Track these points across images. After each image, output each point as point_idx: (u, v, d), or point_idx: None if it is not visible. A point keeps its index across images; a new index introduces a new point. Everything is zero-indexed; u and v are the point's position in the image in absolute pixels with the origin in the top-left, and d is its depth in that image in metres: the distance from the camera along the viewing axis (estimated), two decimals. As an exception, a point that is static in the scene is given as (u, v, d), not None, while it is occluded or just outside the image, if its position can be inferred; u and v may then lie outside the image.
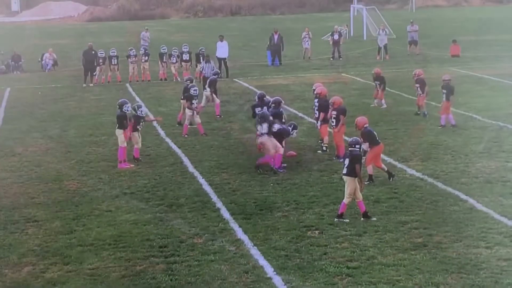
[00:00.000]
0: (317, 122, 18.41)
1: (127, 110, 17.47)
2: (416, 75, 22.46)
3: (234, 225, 13.03)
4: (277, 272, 10.87)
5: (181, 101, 21.98)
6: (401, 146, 18.60)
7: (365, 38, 47.74)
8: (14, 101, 27.84)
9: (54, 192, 15.49)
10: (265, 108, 17.97)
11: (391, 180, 15.45)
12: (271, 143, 16.48)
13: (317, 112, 18.26)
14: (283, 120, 17.29)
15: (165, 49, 32.13)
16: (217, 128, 21.61)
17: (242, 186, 15.47)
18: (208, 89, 23.34)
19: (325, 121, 17.96)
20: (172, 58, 31.84)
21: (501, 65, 33.87)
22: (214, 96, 23.43)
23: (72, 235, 12.74)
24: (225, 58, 33.37)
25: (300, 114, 23.22)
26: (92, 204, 14.52)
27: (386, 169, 15.58)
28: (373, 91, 24.74)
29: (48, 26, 69.98)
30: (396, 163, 16.94)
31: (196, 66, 31.33)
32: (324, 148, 18.11)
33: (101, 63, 31.56)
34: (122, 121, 17.36)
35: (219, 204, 14.26)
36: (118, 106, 17.63)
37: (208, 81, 23.89)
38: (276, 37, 36.38)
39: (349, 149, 13.33)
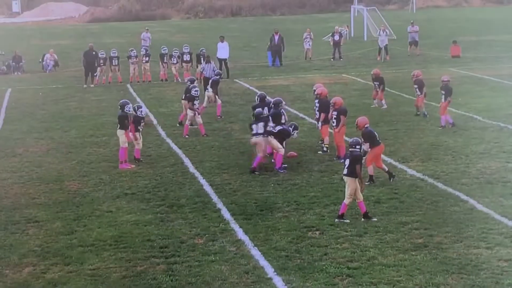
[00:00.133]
0: (317, 123, 18.42)
1: (129, 111, 17.49)
2: (415, 76, 22.47)
3: (234, 225, 13.04)
4: (278, 272, 10.89)
5: (182, 101, 22.01)
6: (402, 147, 18.61)
7: (365, 38, 47.74)
8: (15, 101, 27.86)
9: (55, 192, 15.50)
10: (265, 108, 17.97)
11: (391, 180, 15.46)
12: (264, 143, 16.52)
13: (317, 112, 18.27)
14: (283, 121, 17.28)
15: (165, 49, 32.13)
16: (217, 129, 21.63)
17: (242, 187, 15.48)
18: (210, 89, 23.35)
19: (325, 121, 17.97)
20: (172, 58, 31.84)
21: (502, 65, 33.86)
22: (216, 96, 23.44)
23: (73, 236, 12.75)
24: (225, 59, 33.38)
25: (301, 115, 23.23)
26: (93, 205, 14.53)
27: (386, 169, 15.59)
28: (372, 92, 24.74)
29: (49, 26, 70.01)
30: (396, 163, 16.95)
31: (197, 66, 31.33)
32: (325, 149, 18.12)
33: (102, 64, 31.57)
34: (123, 122, 17.37)
35: (219, 205, 14.28)
36: (119, 107, 17.65)
37: (210, 81, 23.90)
38: (276, 37, 36.39)
39: (350, 149, 13.34)
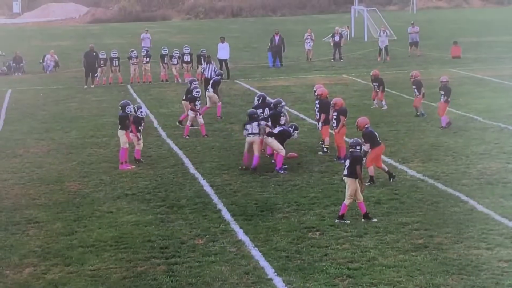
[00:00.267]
0: (318, 124, 18.42)
1: (130, 111, 17.50)
2: (413, 76, 22.46)
3: (235, 226, 13.04)
4: (278, 273, 10.89)
5: (183, 102, 22.01)
6: (402, 147, 18.62)
7: (366, 39, 47.73)
8: (15, 102, 27.87)
9: (55, 193, 15.51)
10: (266, 109, 17.99)
11: (391, 180, 15.47)
12: (260, 144, 16.68)
13: (318, 113, 18.27)
14: (282, 122, 17.30)
15: (166, 50, 32.14)
16: (218, 130, 21.63)
17: (243, 187, 15.49)
18: (211, 90, 23.36)
19: (326, 122, 17.98)
20: (173, 59, 31.85)
21: (502, 66, 33.86)
22: (217, 97, 23.44)
23: (73, 236, 12.76)
24: (226, 60, 33.39)
25: (301, 116, 23.23)
26: (93, 205, 14.54)
27: (386, 169, 15.60)
28: (371, 92, 24.75)
29: (49, 27, 70.05)
30: (396, 164, 16.95)
31: (197, 67, 31.35)
32: (325, 149, 18.13)
33: (102, 65, 31.58)
34: (124, 122, 17.39)
35: (220, 205, 14.28)
36: (120, 107, 17.66)
37: (211, 81, 23.91)
38: (277, 38, 36.39)
39: (350, 150, 13.35)
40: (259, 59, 39.68)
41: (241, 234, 12.59)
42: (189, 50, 31.93)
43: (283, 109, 17.80)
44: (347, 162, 13.15)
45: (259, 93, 20.41)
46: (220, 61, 33.10)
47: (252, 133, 16.72)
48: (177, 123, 22.10)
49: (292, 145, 18.09)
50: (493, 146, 18.52)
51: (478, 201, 14.02)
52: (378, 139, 15.46)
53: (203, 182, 16.04)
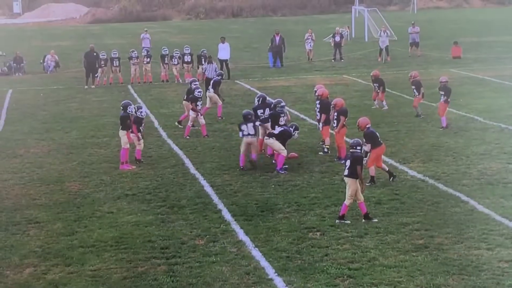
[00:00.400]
0: (318, 124, 18.42)
1: (131, 111, 17.51)
2: (412, 77, 22.46)
3: (235, 226, 13.04)
4: (279, 273, 10.89)
5: (184, 102, 22.01)
6: (403, 148, 18.61)
7: (366, 39, 47.74)
8: (16, 102, 27.88)
9: (56, 193, 15.51)
10: (267, 110, 17.99)
11: (391, 180, 15.47)
12: (257, 145, 16.90)
13: (318, 114, 18.27)
14: (282, 122, 17.33)
15: (166, 50, 32.15)
16: (218, 130, 21.64)
17: (243, 188, 15.49)
18: (211, 90, 23.37)
19: (326, 122, 17.98)
20: (173, 59, 31.86)
21: (503, 66, 33.87)
22: (217, 97, 23.45)
23: (74, 237, 12.76)
24: (226, 60, 33.40)
25: (302, 116, 23.23)
26: (94, 206, 14.54)
27: (387, 169, 15.61)
28: (372, 93, 24.76)
29: (50, 27, 70.08)
30: (397, 164, 16.95)
31: (198, 67, 31.36)
32: (326, 150, 18.13)
33: (103, 65, 31.59)
34: (125, 122, 17.40)
35: (220, 206, 14.28)
36: (121, 108, 17.66)
37: (212, 82, 23.92)
38: (277, 38, 36.40)
39: (350, 150, 13.35)
40: (260, 59, 39.68)
41: (241, 235, 12.59)
42: (189, 50, 31.94)
43: (283, 109, 17.81)
44: (348, 163, 13.15)
45: (259, 93, 20.41)
46: (221, 61, 33.10)
47: (248, 134, 16.77)
48: (176, 123, 22.10)
49: (292, 146, 18.08)
50: (494, 146, 18.52)
51: (479, 201, 14.01)
52: (380, 139, 15.47)
53: (203, 182, 16.04)
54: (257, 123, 17.28)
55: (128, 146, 17.42)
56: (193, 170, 17.12)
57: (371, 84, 24.92)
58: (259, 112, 17.93)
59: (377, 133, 15.56)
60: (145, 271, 11.17)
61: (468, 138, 19.56)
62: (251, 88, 29.64)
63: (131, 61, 32.00)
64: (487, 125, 21.17)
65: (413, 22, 41.30)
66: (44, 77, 35.24)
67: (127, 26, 67.46)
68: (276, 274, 10.87)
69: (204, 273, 10.98)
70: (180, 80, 31.48)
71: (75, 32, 62.19)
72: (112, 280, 10.88)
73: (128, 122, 17.41)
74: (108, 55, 31.82)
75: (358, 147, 13.27)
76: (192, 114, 20.63)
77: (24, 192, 15.64)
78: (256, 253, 11.70)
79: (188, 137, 20.52)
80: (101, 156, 18.79)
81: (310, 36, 39.16)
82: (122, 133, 17.44)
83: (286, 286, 10.49)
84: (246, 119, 16.97)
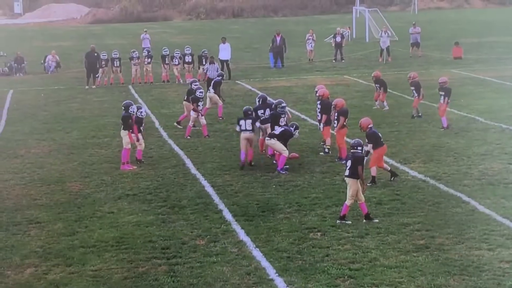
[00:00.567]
0: (319, 124, 18.42)
1: (133, 111, 17.51)
2: (411, 78, 22.43)
3: (236, 226, 13.04)
4: (279, 273, 10.89)
5: (184, 103, 22.00)
6: (403, 148, 18.60)
7: (367, 40, 47.73)
8: (16, 103, 27.88)
9: (57, 193, 15.51)
10: (267, 110, 17.99)
11: (392, 179, 15.46)
12: (253, 140, 17.17)
13: (319, 114, 18.26)
14: (283, 123, 17.34)
15: (166, 51, 32.16)
16: (219, 130, 21.64)
17: (244, 188, 15.49)
18: (212, 90, 23.38)
19: (327, 123, 17.97)
20: (174, 60, 31.87)
21: (504, 67, 33.85)
22: (218, 97, 23.45)
23: (75, 237, 12.76)
24: (227, 60, 33.41)
25: (303, 116, 23.23)
26: (95, 206, 14.54)
27: (389, 168, 15.62)
28: (374, 93, 24.76)
29: (50, 28, 70.10)
30: (398, 165, 16.94)
31: (199, 68, 31.36)
32: (327, 150, 18.12)
33: (104, 65, 31.60)
34: (127, 122, 17.40)
35: (221, 206, 14.28)
36: (123, 108, 17.67)
37: (212, 82, 23.93)
38: (278, 39, 36.39)
39: (351, 151, 13.34)
40: (261, 59, 39.69)
41: (242, 235, 12.59)
42: (190, 51, 31.94)
43: (284, 110, 17.82)
44: (349, 163, 13.15)
45: (260, 93, 20.41)
46: (222, 61, 33.11)
47: (246, 130, 16.94)
48: (175, 124, 22.07)
49: (293, 146, 18.08)
50: (495, 146, 18.51)
51: (480, 201, 14.01)
52: (382, 139, 15.48)
53: (204, 182, 16.04)
54: (257, 124, 17.36)
55: (129, 146, 17.43)
56: (194, 170, 17.12)
57: (373, 84, 24.91)
58: (260, 112, 17.93)
59: (379, 133, 15.56)
60: (146, 271, 11.17)
61: (469, 138, 19.56)
62: (252, 89, 29.64)
63: (132, 61, 32.01)
64: (488, 125, 21.17)
65: (414, 22, 41.28)
66: (45, 78, 35.25)
67: (128, 26, 67.47)
68: (277, 274, 10.86)
69: (205, 273, 10.98)
70: (181, 81, 31.48)
71: (76, 33, 62.21)
72: (113, 280, 10.88)
73: (130, 122, 17.42)
74: (109, 55, 31.83)
75: (359, 148, 13.27)
76: (193, 114, 20.63)
77: (25, 192, 15.64)
78: (257, 254, 11.70)
79: (189, 137, 20.52)
80: (102, 156, 18.79)
81: (311, 36, 39.15)
82: (124, 133, 17.44)
83: (287, 286, 10.49)
84: (246, 115, 17.15)
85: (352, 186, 13.02)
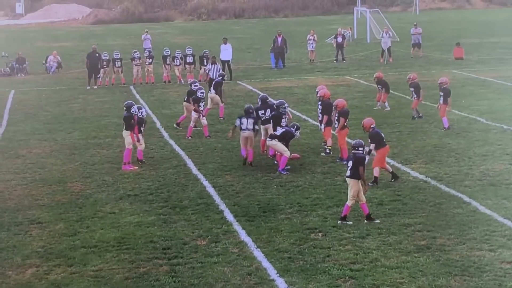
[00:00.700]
0: (320, 125, 18.41)
1: (135, 112, 17.53)
2: (411, 79, 22.42)
3: (237, 227, 13.04)
4: (280, 274, 10.89)
5: (184, 103, 22.00)
6: (405, 149, 18.60)
7: (368, 40, 47.73)
8: (18, 103, 27.90)
9: (58, 194, 15.52)
10: (268, 111, 17.99)
11: (392, 180, 15.46)
12: (253, 139, 17.25)
13: (320, 115, 18.26)
14: (284, 123, 17.37)
15: (168, 51, 32.18)
16: (220, 131, 21.64)
17: (245, 188, 15.49)
18: (213, 91, 23.38)
19: (328, 123, 17.97)
20: (175, 60, 31.88)
21: (505, 67, 33.83)
22: (219, 98, 23.45)
23: (76, 237, 12.77)
24: (228, 61, 33.41)
25: (304, 117, 23.23)
26: (96, 206, 14.55)
27: (390, 170, 15.61)
28: (376, 94, 24.76)
29: (52, 28, 70.15)
30: (399, 165, 16.94)
31: (200, 68, 31.37)
32: (328, 151, 18.12)
33: (105, 66, 31.62)
34: (129, 122, 17.42)
35: (222, 206, 14.28)
36: (125, 108, 17.68)
37: (213, 83, 23.93)
38: (279, 39, 36.40)
39: (353, 151, 13.35)
40: (262, 60, 39.70)
41: (243, 235, 12.59)
42: (191, 51, 31.96)
43: (285, 110, 17.84)
44: (350, 163, 13.15)
45: (261, 94, 20.42)
46: (223, 62, 33.11)
47: (246, 129, 17.07)
48: (175, 126, 22.05)
49: (294, 146, 18.08)
50: (496, 147, 18.50)
51: (481, 202, 14.00)
52: (384, 140, 15.49)
53: (205, 183, 16.04)
54: (257, 126, 17.46)
55: (131, 146, 17.45)
56: (195, 170, 17.13)
57: (375, 85, 24.89)
58: (260, 113, 17.95)
59: (382, 134, 15.58)
60: (147, 271, 11.17)
61: (470, 139, 19.55)
62: (253, 89, 29.65)
63: (133, 62, 32.03)
64: (489, 126, 21.16)
65: (415, 23, 41.27)
66: (46, 78, 35.26)
67: (129, 27, 67.50)
68: (278, 275, 10.87)
69: (206, 274, 10.98)
70: (182, 81, 31.48)
71: (77, 33, 62.25)
72: (114, 280, 10.89)
73: (132, 122, 17.44)
74: (110, 56, 31.85)
75: (360, 148, 13.27)
76: (194, 114, 20.63)
77: (26, 193, 15.65)
78: (258, 254, 11.70)
79: (190, 137, 20.53)
80: (103, 156, 18.80)
81: (312, 37, 39.15)
82: (126, 133, 17.46)
83: (288, 287, 10.49)
84: (247, 113, 17.25)
85: (353, 186, 13.02)
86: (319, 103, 18.40)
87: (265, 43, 44.64)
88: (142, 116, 17.87)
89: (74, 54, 43.64)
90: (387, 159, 16.26)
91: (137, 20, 74.88)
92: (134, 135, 17.53)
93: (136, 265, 11.43)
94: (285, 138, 16.68)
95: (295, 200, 14.50)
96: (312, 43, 39.01)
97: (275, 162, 17.18)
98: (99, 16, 78.91)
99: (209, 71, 28.05)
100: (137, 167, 17.40)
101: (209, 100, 23.26)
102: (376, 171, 15.37)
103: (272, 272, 10.96)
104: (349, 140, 17.05)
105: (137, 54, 32.04)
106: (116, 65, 31.69)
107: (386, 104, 24.11)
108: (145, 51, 34.21)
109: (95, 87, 31.29)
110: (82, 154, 19.12)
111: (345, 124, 17.41)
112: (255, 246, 12.05)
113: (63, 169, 17.64)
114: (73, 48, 47.93)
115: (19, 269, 11.44)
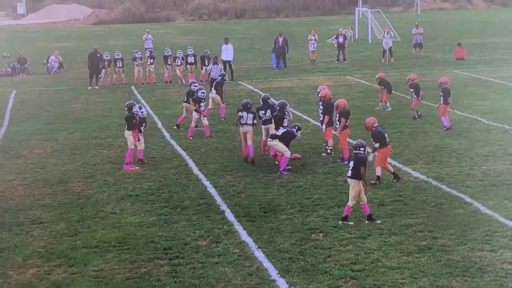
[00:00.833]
0: (321, 125, 18.41)
1: (136, 111, 17.54)
2: (410, 79, 22.40)
3: (238, 227, 13.04)
4: (281, 274, 10.89)
5: (184, 104, 21.98)
6: (406, 149, 18.59)
7: (370, 41, 47.73)
8: (19, 103, 27.92)
9: (59, 194, 15.53)
10: (268, 111, 17.99)
11: (393, 181, 15.45)
12: (252, 134, 17.43)
13: (321, 115, 18.26)
14: (285, 124, 17.38)
15: (169, 51, 32.19)
16: (221, 131, 21.64)
17: (246, 189, 15.49)
18: (213, 91, 23.39)
19: (329, 124, 17.97)
20: (177, 60, 31.90)
21: (506, 68, 33.82)
22: (220, 98, 23.45)
23: (77, 237, 12.77)
24: (230, 61, 33.41)
25: (305, 117, 23.23)
26: (97, 206, 14.55)
27: (392, 170, 15.61)
28: (378, 94, 24.76)
29: (53, 28, 70.19)
30: (400, 165, 16.93)
31: (201, 68, 31.37)
32: (329, 151, 18.12)
33: (106, 66, 31.64)
34: (131, 122, 17.43)
35: (223, 207, 14.28)
36: (126, 108, 17.69)
37: (214, 83, 23.93)
38: (280, 39, 36.40)
39: (354, 152, 13.34)
40: (263, 60, 39.70)
41: (244, 235, 12.59)
42: (192, 51, 31.97)
43: (287, 110, 17.86)
44: (351, 164, 13.15)
45: (263, 94, 20.42)
46: (224, 62, 33.11)
47: (246, 123, 17.26)
48: (175, 127, 22.03)
49: (295, 147, 18.08)
50: (497, 147, 18.49)
51: (482, 203, 13.99)
52: (387, 140, 15.49)
53: (206, 183, 16.04)
54: (255, 121, 17.62)
55: (133, 146, 17.47)
56: (196, 171, 17.13)
57: (375, 85, 24.91)
58: (261, 113, 17.95)
59: (385, 133, 15.57)
60: (148, 271, 11.17)
61: (471, 139, 19.54)
62: (254, 89, 29.65)
63: (135, 62, 32.03)
64: (490, 126, 21.15)
65: (416, 23, 41.26)
66: (47, 78, 35.29)
67: (131, 27, 67.54)
68: (279, 275, 10.86)
69: (207, 274, 10.98)
70: (184, 81, 31.48)
71: (79, 33, 62.28)
72: (115, 280, 10.89)
73: (134, 122, 17.45)
74: (111, 56, 31.87)
75: (362, 149, 13.26)
76: (195, 115, 20.63)
77: (27, 193, 15.66)
78: (259, 254, 11.70)
79: (191, 138, 20.53)
80: (105, 157, 18.81)
81: (313, 37, 39.16)
82: (128, 133, 17.46)
83: (289, 287, 10.49)
84: (246, 108, 17.39)
85: (354, 187, 13.02)
86: (320, 103, 18.39)
87: (266, 43, 44.65)
88: (143, 115, 17.88)
89: (76, 54, 43.67)
90: (389, 160, 16.26)
91: (138, 21, 74.92)
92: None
93: (137, 265, 11.43)
94: (286, 139, 16.68)
95: (296, 201, 14.50)
96: (313, 44, 39.00)
97: (276, 162, 17.18)
98: (100, 16, 78.97)
99: (210, 71, 28.06)
100: (138, 167, 17.40)
101: (210, 100, 23.26)
102: (378, 171, 15.36)
103: (273, 273, 10.96)
104: (350, 141, 17.04)
105: (139, 54, 32.04)
106: (118, 65, 31.71)
107: (388, 104, 24.10)
108: (146, 51, 34.21)
109: (97, 87, 31.31)
110: (84, 154, 19.13)
111: (346, 124, 17.40)
112: (256, 246, 12.05)
113: (64, 169, 17.65)
114: (74, 48, 47.95)
115: (20, 269, 11.44)
